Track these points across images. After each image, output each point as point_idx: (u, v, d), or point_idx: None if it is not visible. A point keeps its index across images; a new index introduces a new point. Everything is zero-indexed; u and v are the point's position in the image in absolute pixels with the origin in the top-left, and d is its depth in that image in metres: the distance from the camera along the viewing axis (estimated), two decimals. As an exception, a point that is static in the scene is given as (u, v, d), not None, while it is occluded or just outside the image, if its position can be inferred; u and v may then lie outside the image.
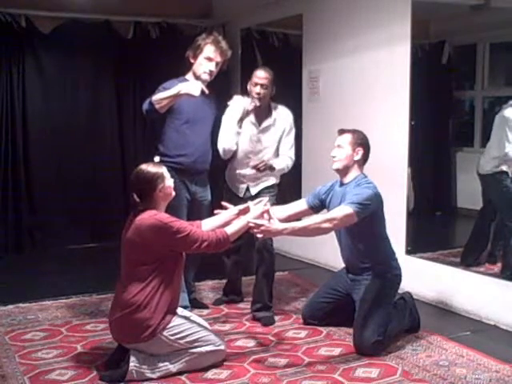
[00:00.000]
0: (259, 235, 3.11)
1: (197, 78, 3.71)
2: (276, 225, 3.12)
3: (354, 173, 3.41)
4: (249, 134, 3.84)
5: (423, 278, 4.21)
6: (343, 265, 3.64)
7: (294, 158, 3.96)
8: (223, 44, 3.75)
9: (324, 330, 3.61)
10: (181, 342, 2.97)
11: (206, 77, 3.70)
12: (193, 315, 3.26)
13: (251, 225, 3.05)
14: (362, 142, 3.41)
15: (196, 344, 3.00)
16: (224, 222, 3.21)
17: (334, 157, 3.43)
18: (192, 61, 3.75)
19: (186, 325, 3.01)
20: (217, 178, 4.12)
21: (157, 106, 3.53)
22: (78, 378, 2.94)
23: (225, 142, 3.82)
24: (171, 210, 3.14)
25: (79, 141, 5.94)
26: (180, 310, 3.15)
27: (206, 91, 3.54)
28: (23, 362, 3.12)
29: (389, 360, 3.18)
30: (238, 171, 3.91)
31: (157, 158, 3.60)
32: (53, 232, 5.82)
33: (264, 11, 5.72)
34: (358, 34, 4.68)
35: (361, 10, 4.64)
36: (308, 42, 5.31)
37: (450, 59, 5.27)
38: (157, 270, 2.93)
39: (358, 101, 4.73)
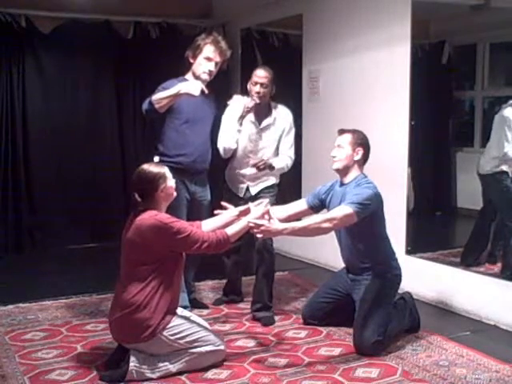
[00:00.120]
0: (259, 235, 3.11)
1: (196, 77, 3.71)
2: (276, 225, 3.12)
3: (354, 173, 3.41)
4: (248, 133, 3.84)
5: (423, 277, 4.21)
6: (343, 265, 3.64)
7: (293, 157, 3.96)
8: (223, 44, 3.75)
9: (324, 329, 3.61)
10: (181, 342, 2.96)
11: (205, 77, 3.70)
12: (193, 315, 3.26)
13: (251, 225, 3.04)
14: (362, 142, 3.41)
15: (196, 344, 3.00)
16: (224, 222, 3.21)
17: (334, 157, 3.43)
18: (191, 61, 3.75)
19: (186, 325, 3.01)
20: (217, 178, 4.12)
21: (156, 106, 3.53)
22: (78, 378, 2.94)
23: (225, 141, 3.82)
24: (171, 209, 3.13)
25: (79, 141, 5.94)
26: (180, 310, 3.15)
27: (206, 91, 3.54)
28: (23, 362, 3.12)
29: (389, 360, 3.18)
30: (237, 171, 3.91)
31: (156, 158, 3.61)
32: (53, 232, 5.82)
33: (264, 11, 5.72)
34: (358, 34, 4.68)
35: (361, 10, 4.64)
36: (308, 42, 5.31)
37: (450, 59, 5.27)
38: (157, 270, 2.92)
39: (358, 101, 4.73)
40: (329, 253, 4.35)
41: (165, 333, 2.93)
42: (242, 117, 3.77)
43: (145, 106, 3.62)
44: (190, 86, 3.50)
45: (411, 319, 3.55)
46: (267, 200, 3.34)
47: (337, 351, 3.30)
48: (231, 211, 3.27)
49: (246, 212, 3.22)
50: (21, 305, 4.06)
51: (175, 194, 3.11)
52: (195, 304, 3.97)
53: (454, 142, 5.52)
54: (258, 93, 3.74)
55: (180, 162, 3.69)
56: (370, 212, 3.27)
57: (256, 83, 3.75)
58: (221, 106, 3.92)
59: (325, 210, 3.51)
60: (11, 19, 5.56)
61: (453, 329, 3.66)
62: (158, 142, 3.76)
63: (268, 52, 6.01)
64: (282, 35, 6.10)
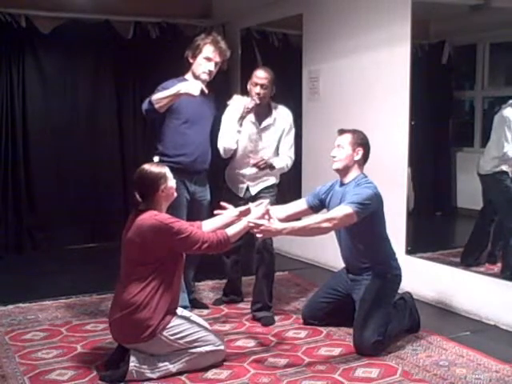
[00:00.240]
0: (259, 235, 3.11)
1: (196, 78, 3.71)
2: (276, 224, 3.12)
3: (354, 173, 3.41)
4: (248, 133, 3.84)
5: (423, 277, 4.21)
6: (343, 265, 3.63)
7: (293, 157, 3.96)
8: (222, 44, 3.75)
9: (324, 329, 3.61)
10: (180, 342, 2.96)
11: (205, 77, 3.70)
12: (193, 315, 3.26)
13: (251, 225, 3.05)
14: (362, 141, 3.41)
15: (196, 344, 3.00)
16: (225, 223, 3.21)
17: (334, 157, 3.43)
18: (191, 61, 3.75)
19: (186, 325, 3.01)
20: (216, 178, 4.12)
21: (156, 106, 3.53)
22: (78, 378, 2.94)
23: (225, 142, 3.82)
24: (171, 209, 3.14)
25: (79, 141, 5.94)
26: (180, 310, 3.15)
27: (206, 91, 3.54)
28: (23, 362, 3.12)
29: (389, 360, 3.18)
30: (237, 171, 3.91)
31: (156, 158, 3.60)
32: (53, 232, 5.82)
33: (264, 11, 5.72)
34: (358, 34, 4.68)
35: (361, 10, 4.65)
36: (308, 42, 5.31)
37: (450, 59, 5.26)
38: (157, 270, 2.93)
39: (358, 101, 4.73)
40: (329, 253, 4.35)
41: (165, 333, 2.93)
42: (242, 117, 3.77)
43: (145, 105, 3.62)
44: (190, 86, 3.50)
45: (411, 319, 3.55)
46: (267, 200, 3.34)
47: (337, 351, 3.30)
48: (231, 211, 3.27)
49: (247, 212, 3.22)
50: (21, 305, 4.06)
51: (176, 194, 3.11)
52: (195, 304, 3.97)
53: (454, 142, 5.51)
54: (258, 94, 3.74)
55: (180, 161, 3.69)
56: (370, 212, 3.27)
57: (256, 84, 3.75)
58: (221, 106, 3.92)
59: (325, 210, 3.51)
60: (11, 19, 5.56)
61: (453, 329, 3.66)
62: (158, 142, 3.76)
63: (268, 52, 6.00)
64: (281, 35, 6.09)
